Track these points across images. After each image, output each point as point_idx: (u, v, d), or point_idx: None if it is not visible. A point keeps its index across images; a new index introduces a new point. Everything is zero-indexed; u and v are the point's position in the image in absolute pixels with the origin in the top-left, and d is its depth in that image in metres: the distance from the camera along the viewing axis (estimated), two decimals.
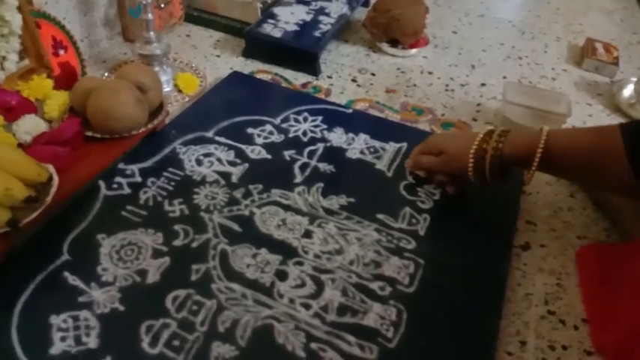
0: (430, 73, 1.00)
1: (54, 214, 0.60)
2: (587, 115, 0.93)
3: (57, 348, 0.48)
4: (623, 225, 0.68)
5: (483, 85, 0.98)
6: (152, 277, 0.56)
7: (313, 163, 0.73)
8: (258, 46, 0.96)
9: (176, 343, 0.50)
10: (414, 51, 1.03)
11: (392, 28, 0.99)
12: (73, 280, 0.54)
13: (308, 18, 1.02)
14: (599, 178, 0.59)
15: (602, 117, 0.93)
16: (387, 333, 0.53)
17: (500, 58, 1.08)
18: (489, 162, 0.61)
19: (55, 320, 0.51)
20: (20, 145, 0.63)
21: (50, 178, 0.56)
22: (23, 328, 0.50)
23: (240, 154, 0.73)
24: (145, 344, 0.50)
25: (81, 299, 0.53)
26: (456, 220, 0.67)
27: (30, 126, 0.64)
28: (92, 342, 0.49)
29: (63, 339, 0.49)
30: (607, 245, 0.67)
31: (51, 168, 0.58)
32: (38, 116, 0.67)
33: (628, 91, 0.97)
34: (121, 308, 0.52)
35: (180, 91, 0.86)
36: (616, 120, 0.92)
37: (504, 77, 1.01)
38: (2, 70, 0.67)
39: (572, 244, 0.67)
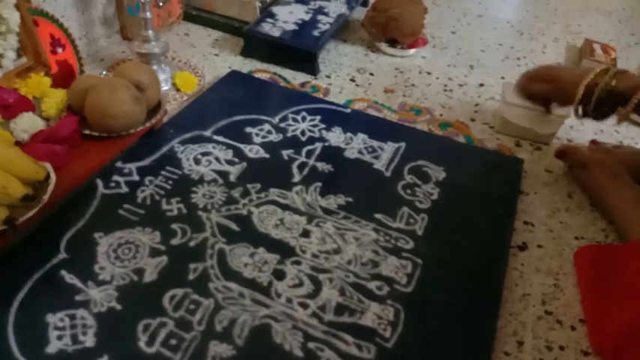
0: (428, 73, 1.00)
1: (51, 213, 0.60)
2: None
3: (53, 347, 0.48)
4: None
5: (482, 85, 0.98)
6: (149, 276, 0.56)
7: (311, 162, 0.73)
8: (257, 46, 0.96)
9: (173, 342, 0.50)
10: (412, 51, 1.03)
11: (390, 28, 0.99)
12: (70, 278, 0.54)
13: (307, 17, 1.02)
14: None
15: None
16: (385, 332, 0.53)
17: (498, 59, 1.08)
18: (597, 95, 0.65)
19: (52, 319, 0.50)
20: (18, 143, 0.63)
21: (47, 176, 0.56)
22: (20, 327, 0.50)
23: (239, 154, 0.73)
24: (142, 343, 0.50)
25: (78, 298, 0.53)
26: (454, 220, 0.67)
27: (27, 124, 0.64)
28: (89, 341, 0.49)
29: (60, 338, 0.49)
30: (605, 246, 0.67)
31: (48, 166, 0.57)
32: (36, 114, 0.67)
33: None
34: (118, 307, 0.52)
35: (178, 89, 0.85)
36: (614, 121, 0.92)
37: (502, 78, 1.01)
38: (0, 67, 0.67)
39: (570, 245, 0.67)
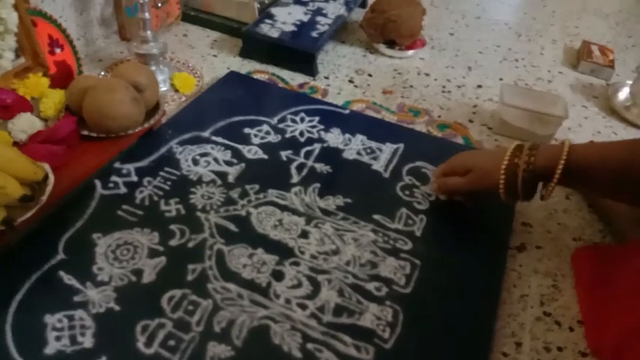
0: (427, 74, 1.00)
1: (49, 213, 0.60)
2: (583, 117, 0.93)
3: (52, 347, 0.48)
4: (618, 226, 0.68)
5: (480, 86, 0.98)
6: (148, 277, 0.55)
7: (310, 163, 0.73)
8: (256, 46, 0.96)
9: (172, 343, 0.50)
10: (410, 52, 1.03)
11: (389, 29, 0.99)
12: (68, 279, 0.54)
13: (305, 18, 1.02)
14: (632, 191, 0.56)
15: (597, 119, 0.93)
16: (383, 334, 0.53)
17: (496, 60, 1.08)
18: (522, 176, 0.58)
19: (50, 320, 0.50)
20: (16, 144, 0.63)
21: (46, 177, 0.56)
22: (18, 328, 0.49)
23: (237, 154, 0.73)
24: (140, 344, 0.49)
25: (76, 299, 0.52)
26: (452, 221, 0.67)
27: (26, 124, 0.64)
28: (87, 342, 0.49)
29: (58, 338, 0.49)
30: (602, 247, 0.67)
31: (47, 167, 0.57)
32: (34, 115, 0.66)
33: (623, 93, 0.98)
34: (117, 308, 0.52)
35: (176, 90, 0.85)
36: (611, 122, 0.93)
37: (500, 79, 1.01)
38: None
39: (568, 246, 0.67)
